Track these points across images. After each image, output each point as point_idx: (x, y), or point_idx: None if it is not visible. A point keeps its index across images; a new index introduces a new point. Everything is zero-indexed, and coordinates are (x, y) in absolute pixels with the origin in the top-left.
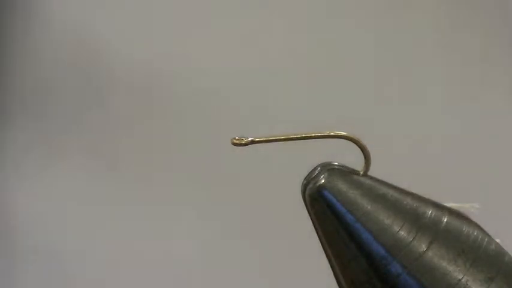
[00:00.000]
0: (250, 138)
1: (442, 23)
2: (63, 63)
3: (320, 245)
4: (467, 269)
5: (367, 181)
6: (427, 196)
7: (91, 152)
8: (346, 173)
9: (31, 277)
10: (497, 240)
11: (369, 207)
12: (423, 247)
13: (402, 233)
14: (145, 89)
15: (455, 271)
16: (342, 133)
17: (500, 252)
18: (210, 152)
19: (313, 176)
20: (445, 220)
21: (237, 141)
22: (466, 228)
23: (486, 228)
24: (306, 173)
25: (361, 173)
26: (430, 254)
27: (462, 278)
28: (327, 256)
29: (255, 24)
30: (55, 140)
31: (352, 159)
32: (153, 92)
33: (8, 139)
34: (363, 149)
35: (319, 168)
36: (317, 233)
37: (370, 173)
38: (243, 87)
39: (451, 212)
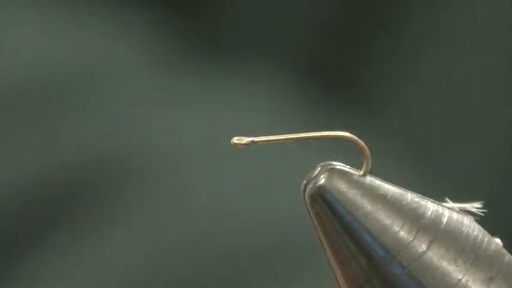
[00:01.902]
0: (250, 139)
1: None
2: None
3: (319, 245)
4: (467, 269)
5: (367, 181)
6: (427, 196)
7: None
8: (346, 173)
9: None
10: (497, 240)
11: (368, 207)
12: (423, 247)
13: (402, 233)
14: None
15: (455, 271)
16: (342, 133)
17: (500, 252)
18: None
19: (313, 176)
20: (445, 220)
21: (237, 141)
22: (466, 228)
23: (486, 228)
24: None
25: (361, 173)
26: (430, 254)
27: (462, 278)
28: (327, 256)
29: None
30: None
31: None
32: None
33: None
34: (363, 150)
35: (319, 168)
36: (317, 233)
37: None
38: None
39: (451, 212)
